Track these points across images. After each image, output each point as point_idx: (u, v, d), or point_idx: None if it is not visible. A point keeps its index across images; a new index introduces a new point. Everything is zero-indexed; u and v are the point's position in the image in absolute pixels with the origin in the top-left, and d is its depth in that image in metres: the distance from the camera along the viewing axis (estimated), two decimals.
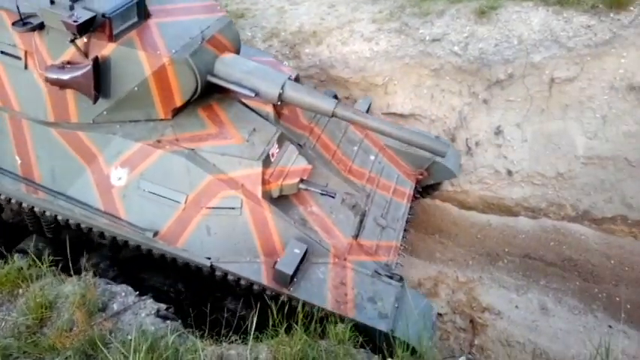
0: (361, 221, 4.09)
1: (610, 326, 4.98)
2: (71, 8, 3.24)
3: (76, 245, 3.78)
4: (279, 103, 3.86)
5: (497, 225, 5.86)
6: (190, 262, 3.52)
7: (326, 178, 4.15)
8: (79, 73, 3.40)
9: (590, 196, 5.74)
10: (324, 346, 2.73)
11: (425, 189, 5.42)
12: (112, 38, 3.39)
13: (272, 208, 3.60)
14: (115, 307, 3.22)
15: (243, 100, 4.04)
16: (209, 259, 3.47)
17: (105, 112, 3.71)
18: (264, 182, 3.61)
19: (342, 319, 3.08)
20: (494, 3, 5.71)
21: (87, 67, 3.38)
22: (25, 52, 3.62)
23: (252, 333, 2.70)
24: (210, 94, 4.02)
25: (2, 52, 3.71)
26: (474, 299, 5.15)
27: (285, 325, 2.76)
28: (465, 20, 5.75)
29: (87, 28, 3.25)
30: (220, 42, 3.90)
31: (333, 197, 3.88)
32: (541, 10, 5.59)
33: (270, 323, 2.84)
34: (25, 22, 3.46)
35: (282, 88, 3.77)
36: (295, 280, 3.36)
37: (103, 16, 3.29)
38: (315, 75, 6.06)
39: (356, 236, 3.93)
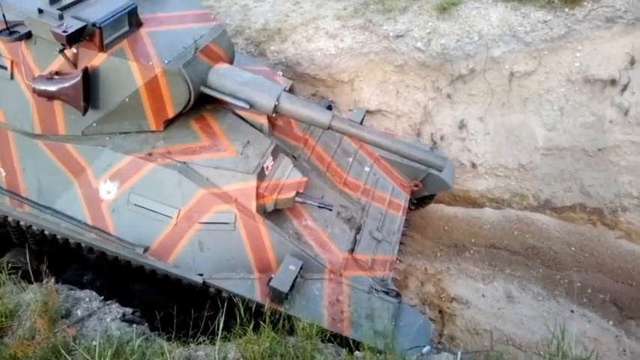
0: (357, 235, 4.05)
1: (572, 311, 5.18)
2: (60, 18, 3.15)
3: (63, 258, 3.76)
4: (273, 115, 3.81)
5: (463, 217, 6.00)
6: (182, 278, 3.45)
7: (321, 191, 4.10)
8: (67, 84, 3.29)
9: (551, 186, 5.94)
10: (292, 343, 2.75)
11: (419, 201, 5.38)
12: (102, 48, 3.30)
13: (266, 222, 3.55)
14: (79, 313, 3.16)
15: (237, 111, 3.97)
16: (201, 275, 3.40)
17: (94, 124, 3.61)
18: (258, 196, 3.55)
19: None
20: None
21: (76, 78, 3.28)
22: (12, 62, 3.50)
23: (219, 333, 2.69)
24: (202, 104, 3.95)
25: None
26: (443, 290, 5.27)
27: (252, 324, 2.76)
28: (427, 16, 5.84)
29: (77, 38, 3.16)
30: (214, 52, 3.84)
31: (330, 210, 3.86)
32: (500, 6, 5.73)
33: (238, 322, 2.84)
34: (11, 32, 3.32)
35: (278, 99, 3.72)
36: (290, 296, 3.30)
37: (94, 25, 3.20)
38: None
39: (352, 250, 3.90)
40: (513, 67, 5.66)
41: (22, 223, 3.72)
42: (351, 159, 4.68)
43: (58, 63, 3.38)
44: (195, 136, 3.76)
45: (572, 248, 5.69)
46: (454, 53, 5.68)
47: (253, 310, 3.11)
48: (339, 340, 3.09)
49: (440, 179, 4.83)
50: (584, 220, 5.88)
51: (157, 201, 3.47)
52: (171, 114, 3.67)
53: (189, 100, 3.65)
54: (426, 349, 2.78)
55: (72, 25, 3.11)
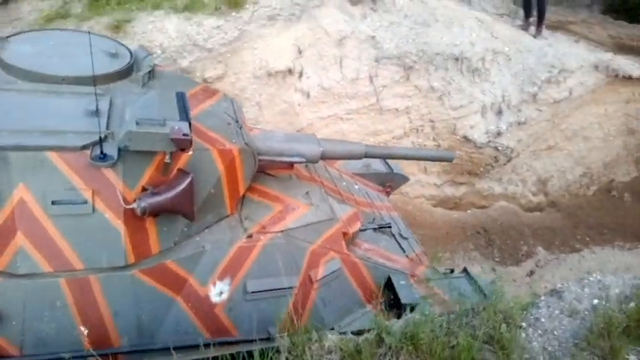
0: (397, 241, 4.51)
1: None
2: (164, 122, 2.78)
3: None
4: (319, 161, 4.00)
5: None
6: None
7: None
8: (177, 190, 2.96)
9: None
10: None
11: None
12: (190, 144, 2.95)
13: (358, 256, 3.84)
14: None
15: (266, 170, 3.97)
16: (333, 329, 3.40)
17: (185, 229, 3.23)
18: (344, 236, 3.80)
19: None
20: (126, 16, 5.65)
21: (186, 180, 2.99)
22: (92, 192, 2.83)
23: None
24: None
25: (54, 203, 2.79)
26: None
27: None
28: None
29: None
30: (243, 121, 3.78)
31: (389, 227, 4.47)
32: (173, 17, 5.82)
33: None
34: (104, 155, 2.73)
35: (321, 145, 3.90)
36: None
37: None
38: None
39: (405, 255, 4.36)
40: (205, 74, 5.88)
41: None
42: (345, 183, 4.97)
43: (146, 177, 2.95)
44: (265, 205, 3.70)
45: None
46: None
47: None
48: None
49: (402, 176, 5.68)
50: None
51: (275, 277, 3.34)
52: (241, 192, 3.57)
53: (254, 172, 3.60)
54: None
55: (179, 126, 2.77)
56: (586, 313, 3.03)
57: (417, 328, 2.75)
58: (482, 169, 7.66)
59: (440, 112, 7.37)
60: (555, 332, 2.94)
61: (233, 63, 6.02)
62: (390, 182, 5.62)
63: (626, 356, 2.74)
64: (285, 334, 2.92)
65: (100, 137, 2.68)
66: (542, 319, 3.02)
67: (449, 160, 5.18)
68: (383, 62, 6.88)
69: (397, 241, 4.55)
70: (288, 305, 3.36)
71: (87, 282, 2.97)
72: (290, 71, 6.32)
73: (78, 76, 3.08)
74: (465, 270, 4.37)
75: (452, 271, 4.44)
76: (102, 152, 2.71)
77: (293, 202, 3.78)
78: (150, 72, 3.45)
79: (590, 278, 3.31)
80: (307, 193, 3.91)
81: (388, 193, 5.67)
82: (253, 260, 3.35)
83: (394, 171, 5.59)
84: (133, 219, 2.93)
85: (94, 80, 2.92)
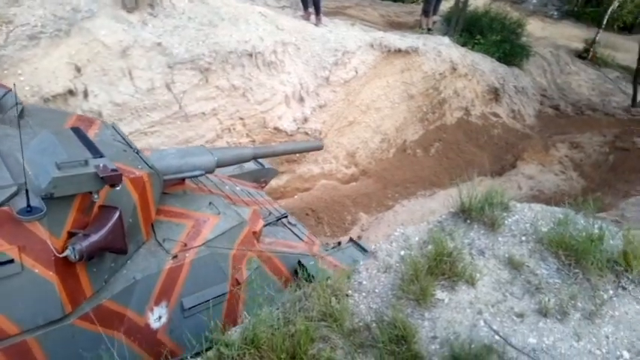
0: (290, 229, 4.88)
1: None
2: (86, 162, 2.69)
3: None
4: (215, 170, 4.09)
5: None
6: None
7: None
8: (109, 226, 2.86)
9: None
10: None
11: None
12: (121, 179, 2.93)
13: (269, 250, 4.06)
14: None
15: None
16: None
17: (112, 265, 3.18)
18: (254, 234, 3.95)
19: None
20: None
21: (115, 215, 2.90)
22: (19, 249, 2.61)
23: None
24: None
25: None
26: None
27: None
28: None
29: None
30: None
31: (286, 216, 4.94)
32: None
33: None
34: (32, 208, 2.52)
35: (214, 155, 3.97)
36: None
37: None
38: None
39: (301, 239, 4.73)
40: None
41: None
42: (227, 187, 5.00)
43: (70, 221, 2.79)
44: (177, 224, 3.68)
45: None
46: None
47: None
48: None
49: (272, 170, 5.97)
50: None
51: (207, 288, 3.51)
52: (153, 216, 3.51)
53: (161, 194, 3.57)
54: None
55: (104, 163, 2.71)
56: (397, 265, 3.42)
57: (255, 329, 2.76)
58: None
59: (247, 108, 7.48)
60: (376, 290, 3.26)
61: None
62: (263, 177, 5.98)
63: (433, 292, 3.18)
64: None
65: (27, 189, 2.52)
66: (364, 282, 3.32)
67: (319, 148, 5.84)
68: (177, 68, 6.66)
69: (290, 229, 4.99)
70: (222, 310, 3.62)
71: (24, 345, 2.85)
72: (71, 92, 5.67)
73: None
74: (351, 239, 5.03)
75: (339, 243, 5.05)
76: (29, 205, 2.51)
77: (199, 215, 3.85)
78: (21, 111, 3.23)
79: (396, 233, 3.74)
80: (210, 203, 3.99)
81: (263, 188, 6.01)
82: (185, 278, 3.47)
83: (265, 167, 5.91)
84: (64, 267, 2.84)
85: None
